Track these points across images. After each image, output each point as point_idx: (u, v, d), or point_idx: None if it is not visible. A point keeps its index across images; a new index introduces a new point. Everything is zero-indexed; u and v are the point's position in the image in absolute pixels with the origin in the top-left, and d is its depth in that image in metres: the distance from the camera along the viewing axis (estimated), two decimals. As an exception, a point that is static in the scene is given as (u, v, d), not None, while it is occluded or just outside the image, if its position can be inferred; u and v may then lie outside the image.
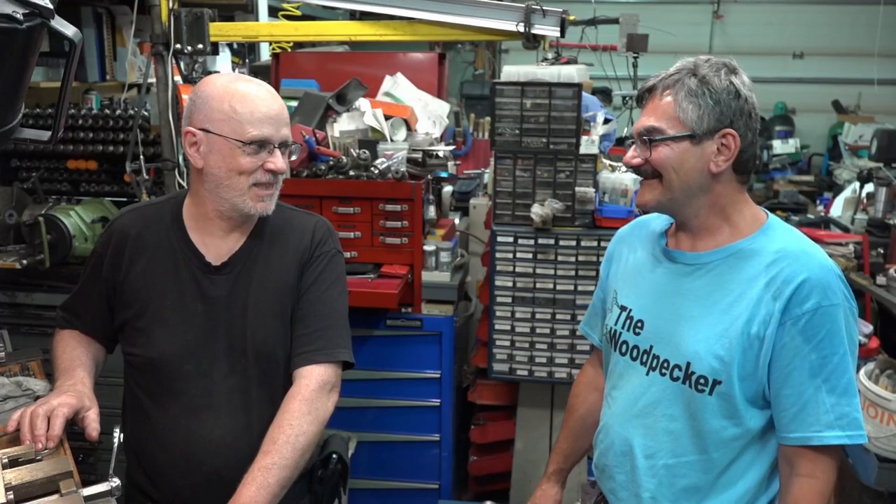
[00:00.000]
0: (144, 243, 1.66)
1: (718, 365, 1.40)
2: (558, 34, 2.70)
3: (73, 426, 1.51)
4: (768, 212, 1.52)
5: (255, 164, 1.56)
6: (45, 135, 1.56)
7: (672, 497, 1.49)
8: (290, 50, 4.21)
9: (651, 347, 1.51)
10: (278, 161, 1.58)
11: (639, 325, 1.54)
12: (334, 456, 1.83)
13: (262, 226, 1.68)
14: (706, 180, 1.43)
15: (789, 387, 1.37)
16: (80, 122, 2.85)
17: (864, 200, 4.42)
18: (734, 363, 1.39)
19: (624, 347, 1.57)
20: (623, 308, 1.59)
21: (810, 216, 4.98)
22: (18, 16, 1.24)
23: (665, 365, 1.48)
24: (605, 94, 4.92)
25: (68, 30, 1.37)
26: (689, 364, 1.44)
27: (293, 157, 1.67)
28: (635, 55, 3.56)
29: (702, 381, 1.42)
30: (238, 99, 1.54)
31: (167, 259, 1.65)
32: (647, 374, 1.51)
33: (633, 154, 1.48)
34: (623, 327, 1.58)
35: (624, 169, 2.88)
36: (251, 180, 1.57)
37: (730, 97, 1.40)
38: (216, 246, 1.65)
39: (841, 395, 1.36)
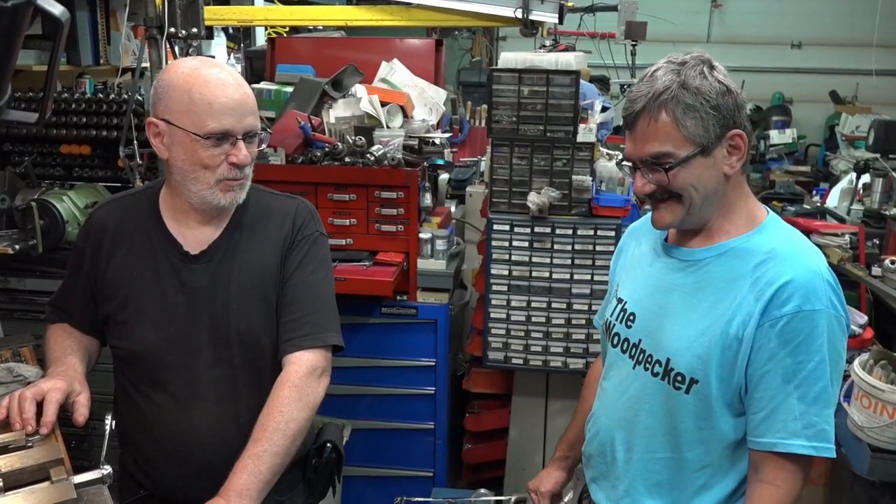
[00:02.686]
0: (122, 235, 1.64)
1: (696, 363, 1.39)
2: (556, 21, 2.69)
3: (65, 412, 1.50)
4: (769, 209, 1.50)
5: (219, 158, 1.51)
6: (33, 117, 1.54)
7: (645, 492, 1.49)
8: (285, 35, 4.18)
9: (640, 341, 1.50)
10: (241, 153, 1.52)
11: (631, 317, 1.54)
12: (329, 445, 1.82)
13: (242, 213, 1.66)
14: (721, 185, 1.40)
15: (761, 390, 1.35)
16: (74, 106, 2.82)
17: (861, 191, 4.42)
18: (713, 362, 1.37)
19: (616, 339, 1.57)
20: (620, 300, 1.59)
21: (806, 206, 4.97)
22: None
23: (649, 360, 1.47)
24: (602, 83, 4.90)
25: (55, 9, 1.35)
26: (668, 360, 1.43)
27: (263, 146, 1.63)
28: (633, 43, 3.55)
29: (679, 378, 1.41)
30: (197, 88, 1.49)
31: (145, 250, 1.62)
32: (634, 367, 1.51)
33: (642, 182, 1.41)
34: (617, 319, 1.57)
35: (621, 157, 2.87)
36: (217, 175, 1.53)
37: (724, 98, 1.35)
38: (194, 235, 1.63)
39: (811, 404, 1.33)
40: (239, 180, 1.56)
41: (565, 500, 1.87)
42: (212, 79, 1.50)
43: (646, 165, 1.39)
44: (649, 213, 1.70)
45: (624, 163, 1.47)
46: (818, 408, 1.33)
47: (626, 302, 1.57)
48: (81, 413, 1.48)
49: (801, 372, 1.32)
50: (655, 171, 1.38)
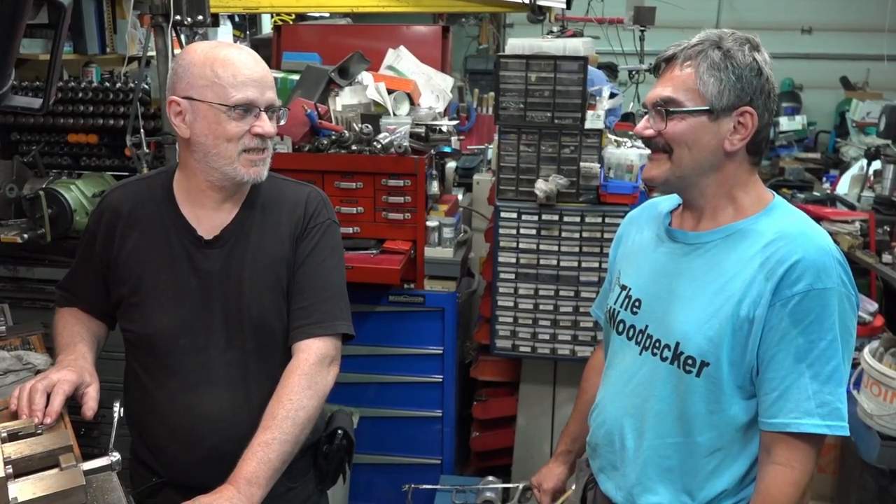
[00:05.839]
0: (136, 219, 1.65)
1: (707, 346, 1.38)
2: (564, 6, 2.66)
3: (74, 402, 1.50)
4: (775, 193, 1.49)
5: (242, 130, 1.53)
6: (37, 102, 1.54)
7: (656, 478, 1.48)
8: (291, 22, 4.17)
9: (646, 327, 1.49)
10: (265, 124, 1.55)
11: (636, 304, 1.53)
12: (340, 432, 1.82)
13: (254, 197, 1.66)
14: (718, 159, 1.39)
15: (773, 370, 1.34)
16: (81, 95, 2.82)
17: (871, 178, 4.38)
18: (724, 345, 1.36)
19: (621, 326, 1.56)
20: (623, 287, 1.58)
21: (816, 193, 4.95)
22: None
23: (657, 345, 1.46)
24: (610, 70, 4.86)
25: None
26: (678, 344, 1.42)
27: (282, 122, 1.65)
28: (642, 29, 3.52)
29: (689, 361, 1.40)
30: (220, 63, 1.52)
31: (159, 234, 1.63)
32: (640, 353, 1.50)
33: (644, 125, 1.42)
34: (621, 306, 1.56)
35: (629, 144, 2.85)
36: (240, 146, 1.54)
37: (752, 74, 1.36)
38: (208, 219, 1.63)
39: (824, 383, 1.32)
40: (261, 154, 1.58)
41: (569, 492, 1.87)
42: (233, 55, 1.55)
43: (655, 108, 1.40)
44: (648, 201, 1.70)
45: (641, 110, 1.50)
46: (831, 386, 1.32)
47: (630, 289, 1.56)
48: (90, 407, 1.49)
49: (813, 351, 1.32)
50: (660, 115, 1.39)
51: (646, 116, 1.43)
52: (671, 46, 1.42)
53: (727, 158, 1.40)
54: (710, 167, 1.40)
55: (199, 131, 1.54)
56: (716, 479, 1.43)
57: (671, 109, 1.37)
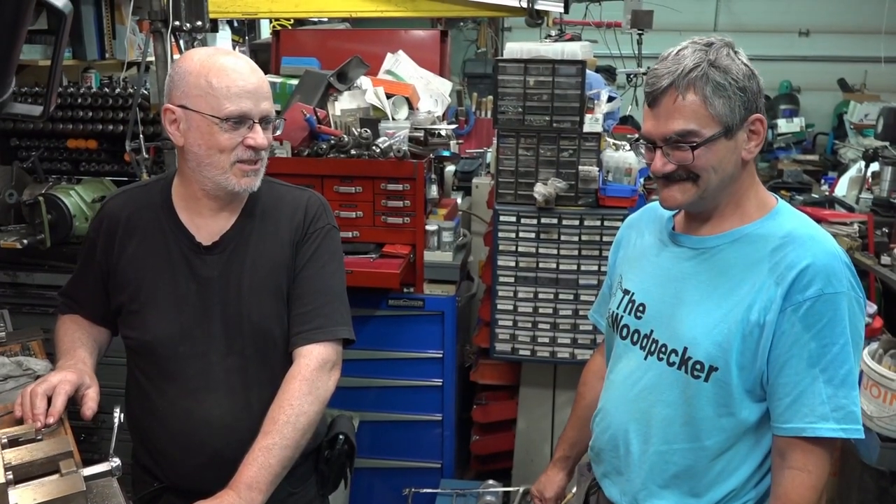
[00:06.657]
0: (135, 226, 1.65)
1: (716, 351, 1.37)
2: (562, 10, 2.67)
3: (74, 405, 1.51)
4: (778, 197, 1.49)
5: (235, 141, 1.53)
6: (38, 110, 1.54)
7: (662, 484, 1.47)
8: (290, 27, 4.18)
9: (651, 332, 1.49)
10: (258, 137, 1.54)
11: (640, 308, 1.52)
12: (341, 437, 1.82)
13: (253, 203, 1.66)
14: (738, 170, 1.39)
15: (786, 375, 1.34)
16: (80, 100, 2.82)
17: (870, 180, 4.39)
18: (733, 350, 1.36)
19: (625, 331, 1.55)
20: (626, 292, 1.57)
21: (815, 196, 4.95)
22: None
23: (663, 349, 1.45)
24: (608, 73, 4.87)
25: (58, 1, 1.34)
26: (685, 349, 1.41)
27: (277, 132, 1.64)
28: (640, 32, 3.53)
29: (698, 366, 1.40)
30: (214, 73, 1.51)
31: (158, 241, 1.63)
32: (646, 358, 1.49)
33: (662, 162, 1.37)
34: (625, 311, 1.56)
35: (628, 147, 2.85)
36: (233, 157, 1.54)
37: (750, 81, 1.35)
38: (206, 226, 1.63)
39: (838, 387, 1.32)
40: (254, 165, 1.57)
41: (569, 496, 1.87)
42: (228, 64, 1.53)
43: (668, 144, 1.36)
44: (647, 205, 1.69)
45: (640, 142, 1.44)
46: (846, 390, 1.32)
47: (633, 293, 1.55)
48: (90, 407, 1.49)
49: (826, 355, 1.32)
50: (679, 149, 1.35)
51: (658, 152, 1.38)
52: (662, 73, 1.35)
53: (743, 166, 1.40)
54: (729, 179, 1.39)
55: (193, 141, 1.54)
56: (723, 482, 1.43)
57: (694, 143, 1.33)
